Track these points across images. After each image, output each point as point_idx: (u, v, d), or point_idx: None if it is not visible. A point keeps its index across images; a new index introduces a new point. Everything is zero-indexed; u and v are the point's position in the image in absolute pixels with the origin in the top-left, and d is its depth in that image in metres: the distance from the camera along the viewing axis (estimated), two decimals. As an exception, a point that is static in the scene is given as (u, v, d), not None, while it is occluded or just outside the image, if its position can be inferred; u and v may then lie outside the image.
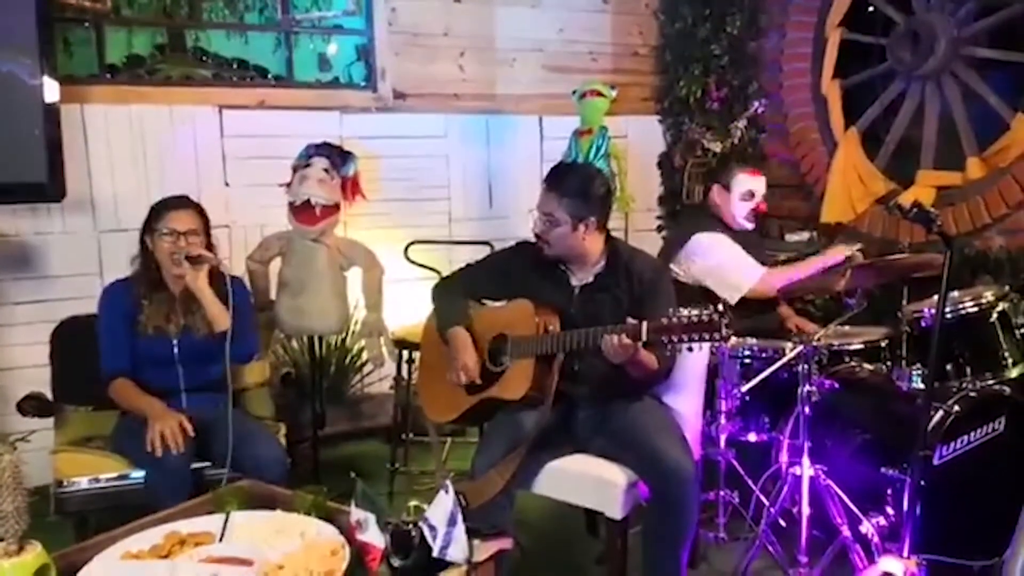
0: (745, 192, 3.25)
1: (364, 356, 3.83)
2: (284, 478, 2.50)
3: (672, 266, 3.16)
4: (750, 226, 3.30)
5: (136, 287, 2.71)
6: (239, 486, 2.21)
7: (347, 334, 3.92)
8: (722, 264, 3.16)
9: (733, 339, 2.89)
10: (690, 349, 2.15)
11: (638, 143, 4.72)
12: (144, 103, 3.72)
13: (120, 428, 2.71)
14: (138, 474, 2.55)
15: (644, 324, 2.18)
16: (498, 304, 2.71)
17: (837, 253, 3.07)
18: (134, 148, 3.72)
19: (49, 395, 2.97)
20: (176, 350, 2.68)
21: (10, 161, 3.12)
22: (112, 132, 3.67)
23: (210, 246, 2.71)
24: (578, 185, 2.48)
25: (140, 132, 3.71)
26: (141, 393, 2.61)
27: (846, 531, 2.58)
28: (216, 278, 2.65)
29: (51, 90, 3.16)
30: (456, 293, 2.73)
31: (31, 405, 2.91)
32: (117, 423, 2.73)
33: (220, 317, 2.62)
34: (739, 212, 3.26)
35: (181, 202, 2.72)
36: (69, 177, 3.33)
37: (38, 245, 3.58)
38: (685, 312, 2.11)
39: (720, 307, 2.08)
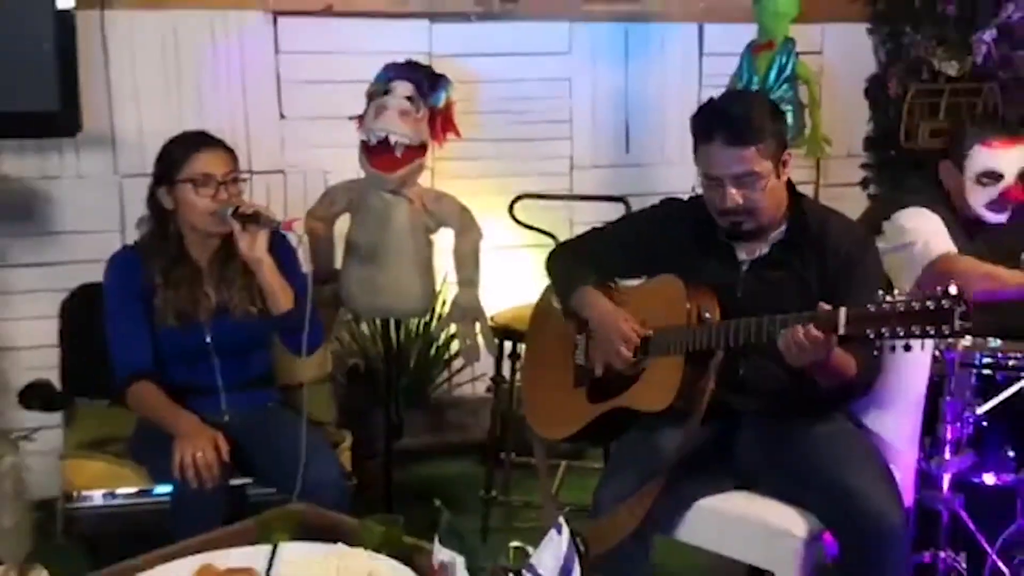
0: (984, 172, 3.06)
1: (454, 347, 3.89)
2: (346, 502, 2.59)
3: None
4: (998, 219, 3.12)
5: (147, 261, 2.74)
6: (290, 510, 2.28)
7: (432, 317, 3.97)
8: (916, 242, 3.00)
9: (968, 339, 2.78)
10: (907, 348, 2.13)
11: (838, 62, 4.66)
12: (179, 5, 3.81)
13: (140, 432, 2.81)
14: (162, 490, 2.66)
15: (843, 310, 2.19)
16: (635, 282, 2.73)
17: None
18: (166, 67, 3.82)
19: (57, 384, 3.08)
20: (209, 339, 2.76)
21: (13, 84, 3.14)
22: (138, 45, 3.79)
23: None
24: (763, 111, 2.49)
25: (173, 45, 3.83)
26: (167, 402, 2.67)
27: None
28: (273, 243, 2.70)
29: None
30: (580, 262, 2.76)
31: (35, 396, 3.00)
32: (137, 425, 2.83)
33: (283, 296, 2.70)
34: (977, 199, 3.09)
35: (209, 139, 2.75)
36: (85, 105, 3.36)
37: (45, 192, 3.68)
38: (901, 297, 2.10)
39: (953, 290, 2.05)
